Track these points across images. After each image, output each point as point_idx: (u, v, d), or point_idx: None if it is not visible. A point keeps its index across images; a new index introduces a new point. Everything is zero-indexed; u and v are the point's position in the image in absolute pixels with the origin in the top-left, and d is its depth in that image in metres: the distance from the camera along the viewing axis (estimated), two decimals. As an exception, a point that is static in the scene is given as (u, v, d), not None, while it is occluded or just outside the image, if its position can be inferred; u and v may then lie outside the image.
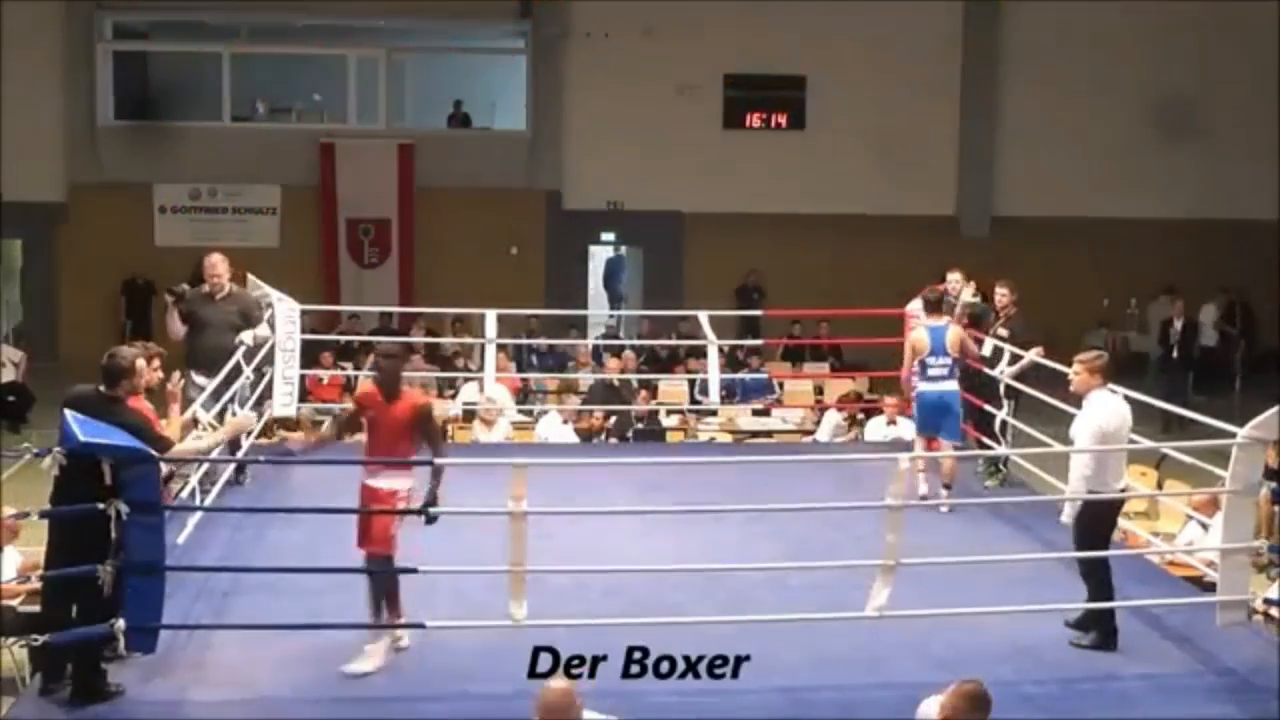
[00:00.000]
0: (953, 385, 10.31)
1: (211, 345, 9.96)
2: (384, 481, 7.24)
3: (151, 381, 7.58)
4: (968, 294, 11.54)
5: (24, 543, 8.48)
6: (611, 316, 22.08)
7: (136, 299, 20.13)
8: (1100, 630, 7.56)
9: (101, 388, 6.82)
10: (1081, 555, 7.61)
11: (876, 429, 13.33)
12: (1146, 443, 9.22)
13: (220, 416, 9.04)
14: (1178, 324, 17.76)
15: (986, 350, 11.24)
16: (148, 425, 6.79)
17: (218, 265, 10.26)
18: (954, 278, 11.76)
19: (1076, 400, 7.93)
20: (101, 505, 6.46)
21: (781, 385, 15.91)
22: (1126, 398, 8.18)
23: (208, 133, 20.84)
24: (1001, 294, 11.34)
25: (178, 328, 10.16)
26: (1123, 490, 7.88)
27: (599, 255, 22.08)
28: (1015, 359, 10.85)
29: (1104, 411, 7.66)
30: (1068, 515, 7.74)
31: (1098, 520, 7.67)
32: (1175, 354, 17.69)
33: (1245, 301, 20.51)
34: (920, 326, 10.55)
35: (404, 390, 7.32)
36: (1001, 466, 11.04)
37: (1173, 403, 13.18)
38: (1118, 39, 21.13)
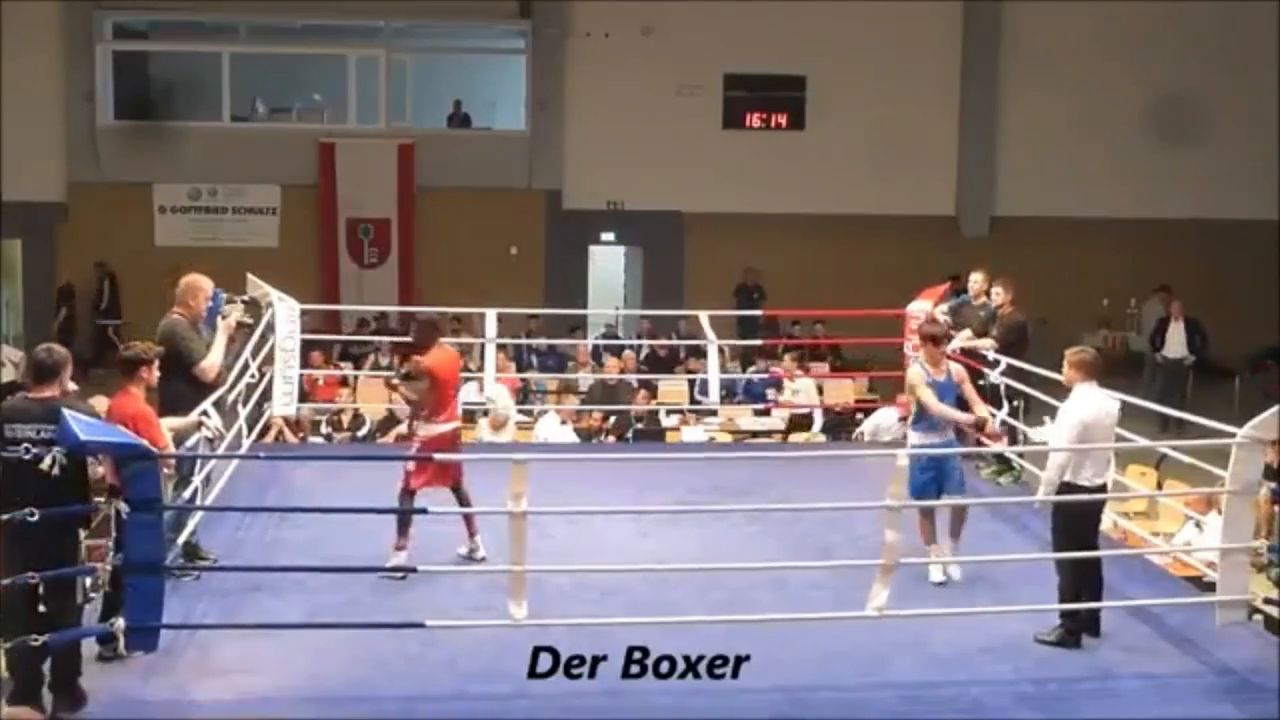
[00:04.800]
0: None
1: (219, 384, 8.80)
2: None
3: (151, 383, 7.55)
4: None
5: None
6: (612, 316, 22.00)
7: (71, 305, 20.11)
8: (1064, 627, 7.54)
9: (34, 393, 6.55)
10: (1079, 556, 7.61)
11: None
12: (1146, 442, 9.24)
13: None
14: (1176, 324, 17.74)
15: (958, 342, 11.38)
16: (92, 412, 6.72)
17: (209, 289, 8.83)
18: (976, 277, 11.74)
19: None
20: (103, 504, 6.45)
21: (781, 385, 15.86)
22: (1124, 401, 8.20)
23: (208, 133, 20.82)
24: (996, 294, 11.35)
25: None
26: (1103, 487, 7.86)
27: (599, 255, 22.06)
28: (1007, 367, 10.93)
29: (1086, 405, 7.66)
30: (1040, 503, 7.74)
31: (1074, 514, 7.67)
32: (1174, 353, 17.66)
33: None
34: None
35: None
36: (1014, 465, 11.09)
37: (1169, 402, 13.25)
38: (1118, 39, 21.12)
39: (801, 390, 15.03)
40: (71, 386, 6.77)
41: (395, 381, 8.96)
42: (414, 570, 7.85)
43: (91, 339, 19.57)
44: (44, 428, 6.36)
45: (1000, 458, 11.01)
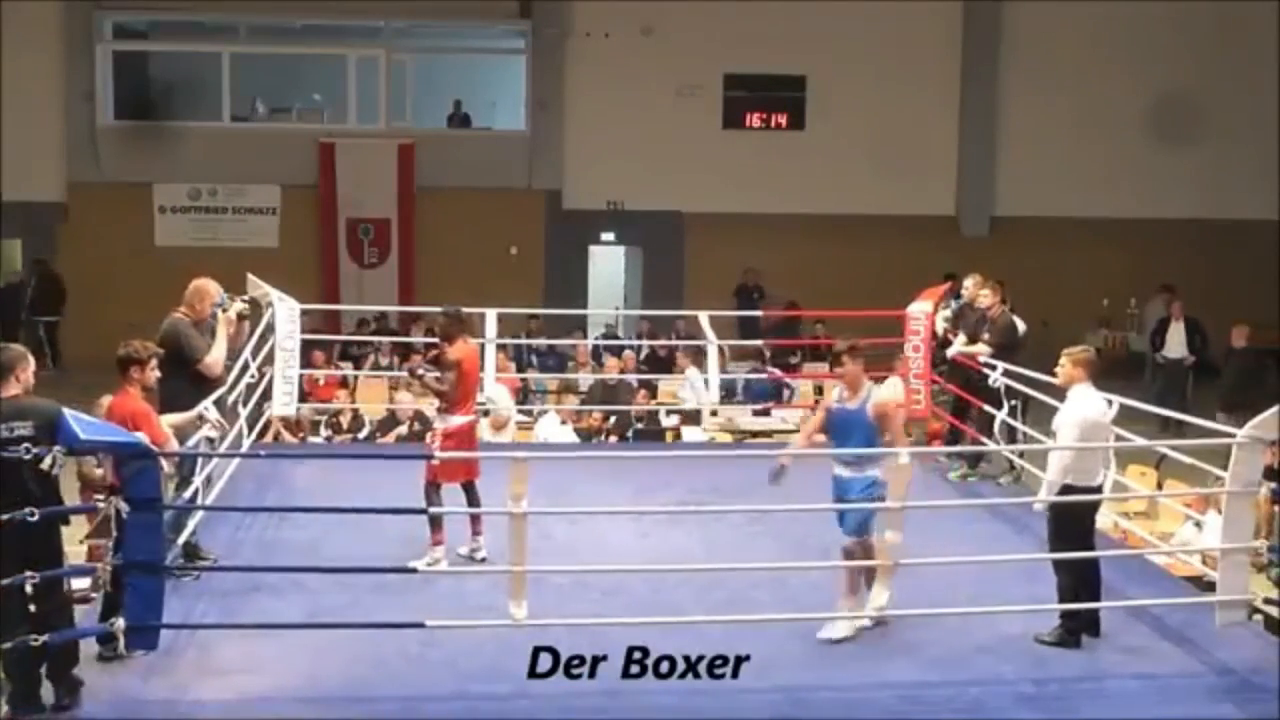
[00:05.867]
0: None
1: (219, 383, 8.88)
2: None
3: (147, 382, 7.54)
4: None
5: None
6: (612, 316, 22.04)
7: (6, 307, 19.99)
8: (1064, 627, 7.55)
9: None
10: (1079, 556, 7.61)
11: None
12: (1146, 442, 9.24)
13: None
14: (1176, 324, 17.72)
15: (956, 347, 11.37)
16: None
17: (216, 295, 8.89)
18: (968, 283, 11.75)
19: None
20: (103, 504, 6.43)
21: (788, 388, 15.78)
22: (1124, 402, 8.20)
23: (208, 133, 20.83)
24: (984, 296, 11.36)
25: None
26: (1100, 488, 7.87)
27: (599, 255, 22.08)
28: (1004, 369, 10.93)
29: (1088, 405, 7.67)
30: (1040, 505, 7.71)
31: (1073, 515, 7.67)
32: (1174, 353, 17.64)
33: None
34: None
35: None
36: (1015, 465, 11.10)
37: (1169, 402, 13.24)
38: (1118, 39, 21.13)
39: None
40: None
41: (420, 372, 9.00)
42: (414, 570, 7.85)
43: (29, 338, 19.39)
44: (15, 425, 6.34)
45: (971, 459, 11.05)
